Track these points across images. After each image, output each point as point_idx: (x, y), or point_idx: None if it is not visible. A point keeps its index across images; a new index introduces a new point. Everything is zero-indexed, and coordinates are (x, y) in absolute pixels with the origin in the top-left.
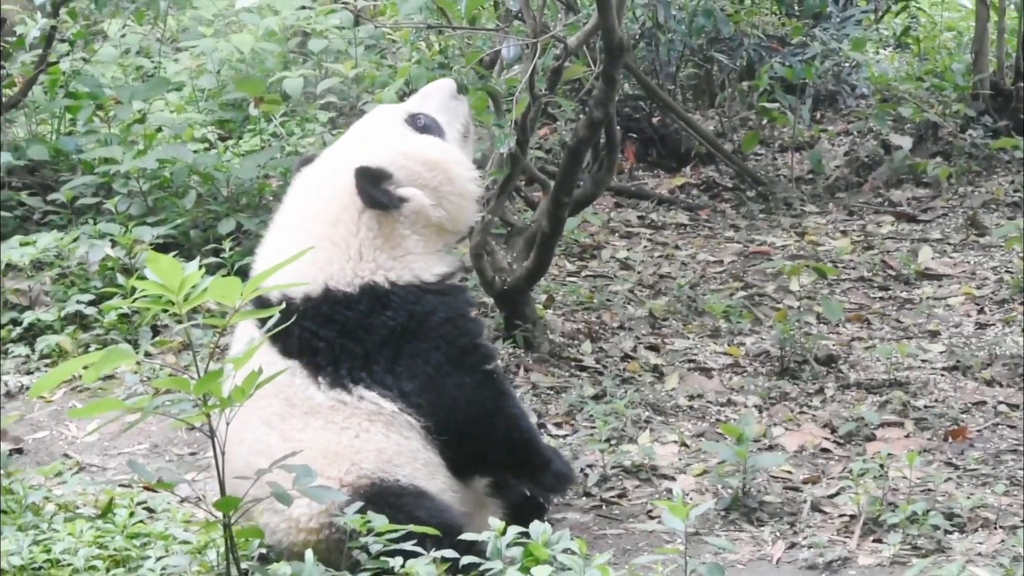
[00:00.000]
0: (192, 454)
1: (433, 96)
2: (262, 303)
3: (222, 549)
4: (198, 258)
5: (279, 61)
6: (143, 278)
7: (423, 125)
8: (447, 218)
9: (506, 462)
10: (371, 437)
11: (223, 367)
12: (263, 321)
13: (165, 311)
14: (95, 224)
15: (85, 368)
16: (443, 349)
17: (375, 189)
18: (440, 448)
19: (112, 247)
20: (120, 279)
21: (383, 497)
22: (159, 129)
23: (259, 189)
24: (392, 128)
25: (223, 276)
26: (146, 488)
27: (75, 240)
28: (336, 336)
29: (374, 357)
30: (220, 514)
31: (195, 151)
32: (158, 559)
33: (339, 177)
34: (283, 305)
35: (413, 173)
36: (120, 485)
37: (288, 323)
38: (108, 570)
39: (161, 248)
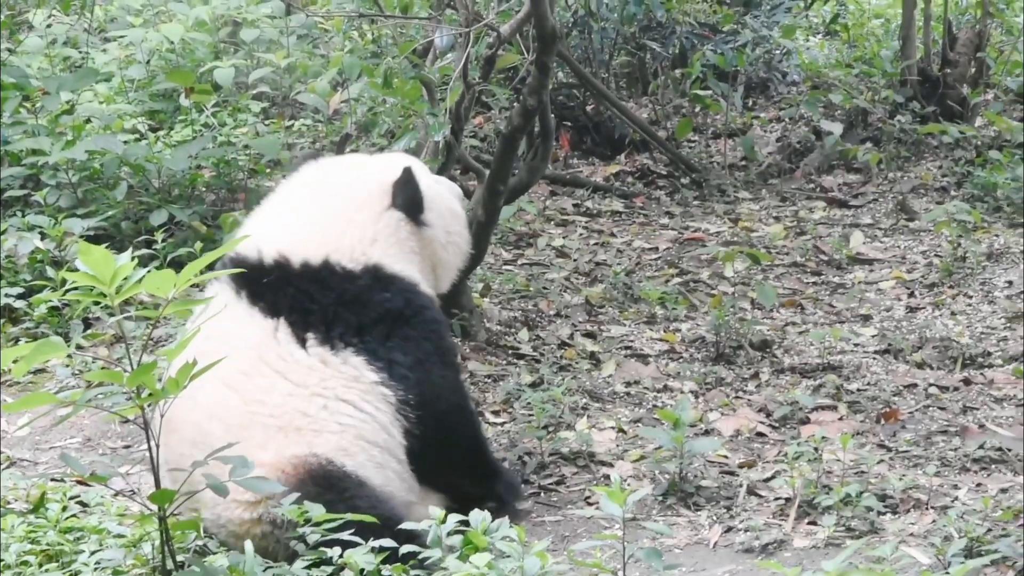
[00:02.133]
0: (126, 447)
1: (444, 182)
2: (239, 263)
3: (157, 542)
4: (130, 250)
5: (210, 51)
6: (74, 270)
7: None
8: (444, 263)
9: (463, 468)
10: (339, 408)
11: (157, 359)
12: (243, 284)
13: (97, 303)
14: (23, 216)
15: (15, 361)
16: (433, 341)
17: (410, 195)
18: (406, 433)
19: (41, 239)
20: (50, 272)
21: (328, 482)
22: (88, 120)
23: (191, 180)
24: (429, 174)
25: (156, 268)
26: (79, 482)
27: (3, 233)
28: (332, 303)
29: (367, 329)
30: (155, 507)
31: (125, 142)
32: (92, 553)
33: (377, 172)
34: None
35: (440, 212)
36: (52, 479)
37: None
38: (41, 565)
39: (92, 240)
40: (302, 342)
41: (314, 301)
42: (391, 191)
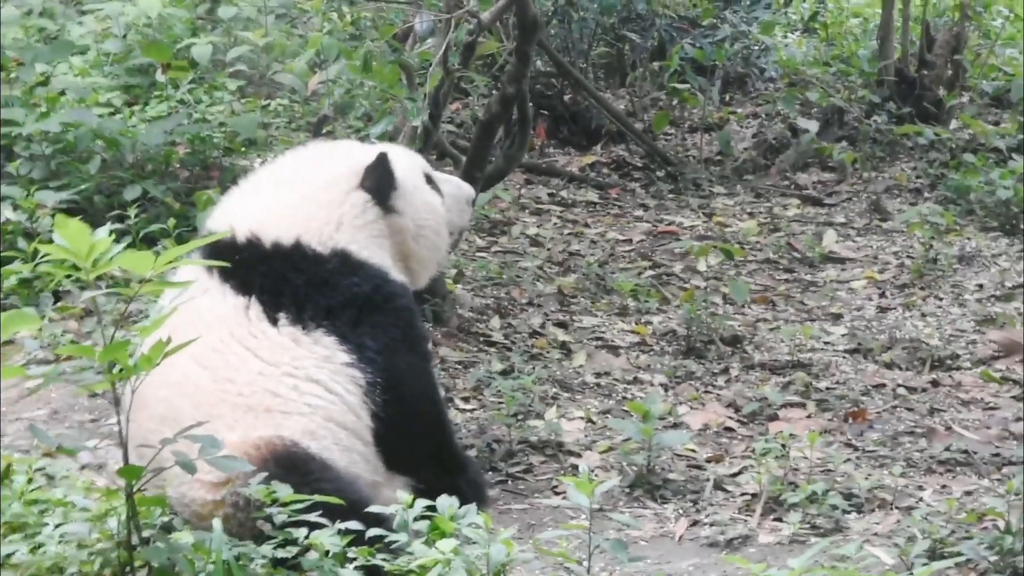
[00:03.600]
0: (93, 421)
1: (452, 184)
2: (219, 243)
3: (123, 517)
4: (108, 224)
5: (187, 27)
6: (46, 242)
7: (433, 188)
8: (416, 256)
9: (428, 456)
10: (310, 389)
11: (131, 336)
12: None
13: (68, 277)
14: None
15: None
16: (402, 328)
17: (382, 179)
18: (373, 416)
19: (13, 211)
20: (22, 244)
21: (292, 464)
22: (63, 92)
23: (165, 156)
24: (416, 166)
25: (128, 243)
26: (46, 454)
27: None
28: (302, 285)
29: (337, 313)
30: (122, 482)
31: (100, 116)
32: (57, 526)
33: (349, 154)
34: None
35: (414, 203)
36: (18, 451)
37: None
38: (5, 536)
39: (64, 213)
40: (273, 321)
41: (286, 281)
42: (362, 173)
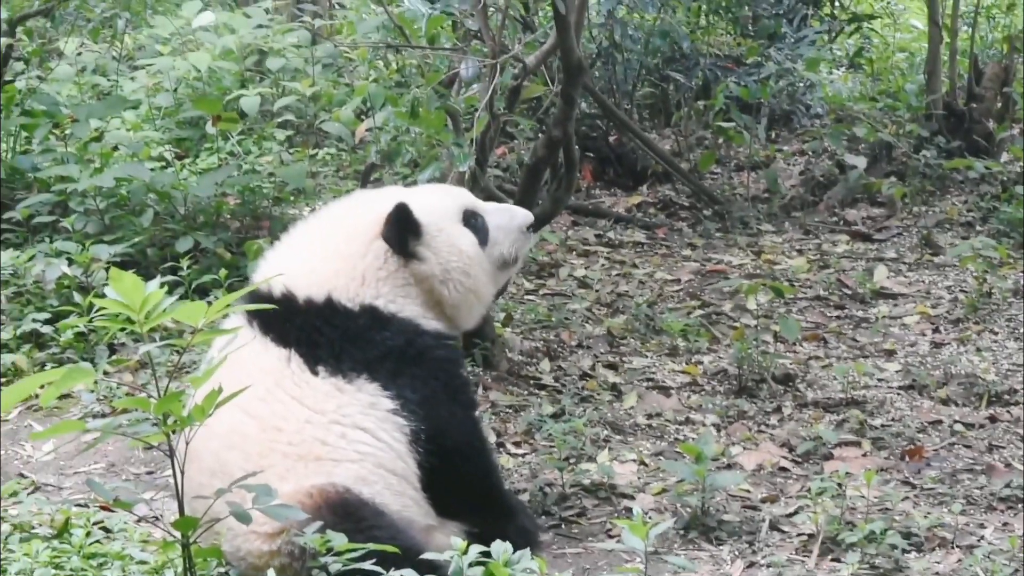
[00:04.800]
0: (149, 473)
1: (503, 214)
2: (258, 297)
3: (180, 569)
4: (158, 277)
5: (236, 79)
6: (101, 296)
7: (473, 224)
8: (449, 300)
9: (476, 504)
10: (358, 437)
11: (185, 386)
12: (254, 315)
13: (123, 330)
14: (52, 242)
15: (43, 387)
16: (442, 380)
17: (399, 228)
18: (419, 465)
19: (69, 265)
20: (77, 297)
21: (345, 511)
22: (116, 147)
23: (216, 207)
24: (448, 205)
25: (181, 295)
26: (103, 508)
27: (31, 258)
28: (338, 339)
29: (374, 365)
30: (178, 534)
31: (152, 169)
32: None
33: (374, 204)
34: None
35: (438, 247)
36: (76, 505)
37: (286, 317)
38: None
39: (118, 266)
40: (315, 373)
41: (321, 334)
42: (381, 224)
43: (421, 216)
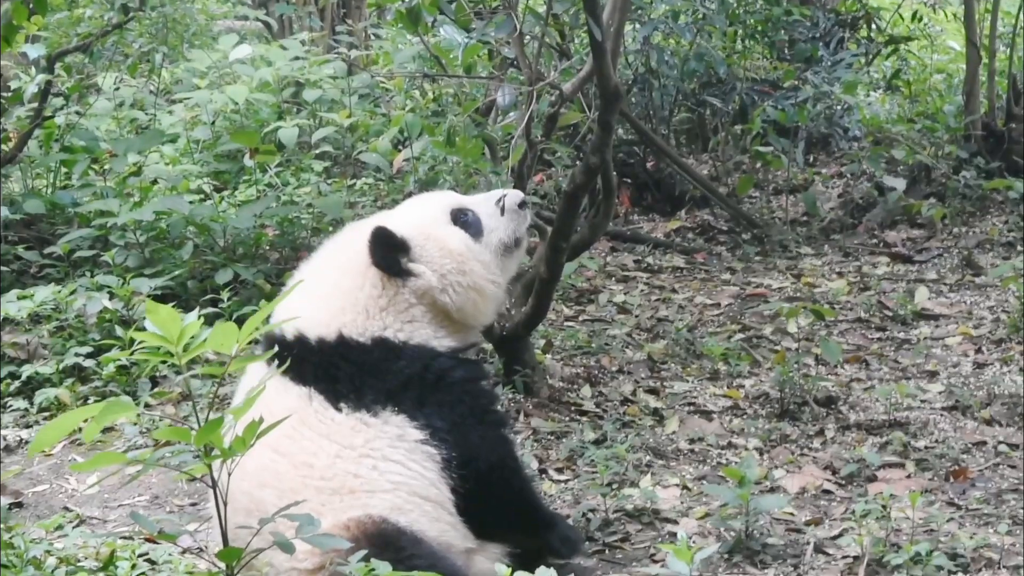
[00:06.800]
0: (193, 504)
1: (489, 199)
2: (273, 340)
3: None
4: (197, 309)
5: (273, 111)
6: (142, 329)
7: (463, 221)
8: (453, 306)
9: (515, 521)
10: (389, 468)
11: (224, 416)
12: (274, 357)
13: (164, 362)
14: (92, 276)
15: (86, 421)
16: (467, 403)
17: (384, 251)
18: (452, 490)
19: (110, 299)
20: (118, 331)
21: (384, 540)
22: (155, 181)
23: (256, 239)
24: (432, 211)
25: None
26: (147, 540)
27: (72, 293)
28: (356, 373)
29: (397, 396)
30: (223, 565)
31: (191, 202)
32: None
33: (355, 236)
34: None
35: (429, 255)
36: (121, 537)
37: (302, 357)
38: None
39: (159, 299)
40: (338, 409)
41: (339, 370)
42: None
43: (404, 231)
